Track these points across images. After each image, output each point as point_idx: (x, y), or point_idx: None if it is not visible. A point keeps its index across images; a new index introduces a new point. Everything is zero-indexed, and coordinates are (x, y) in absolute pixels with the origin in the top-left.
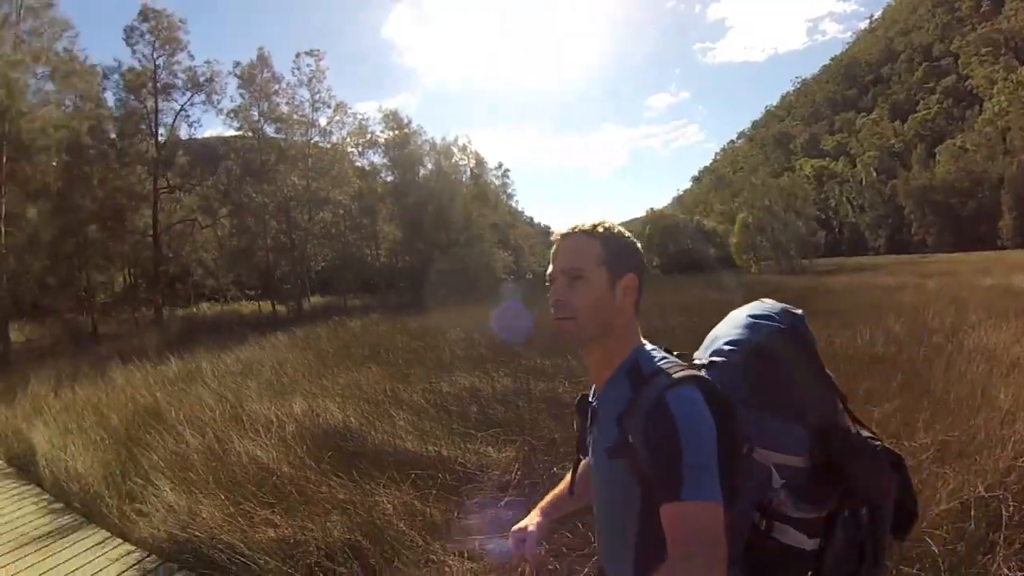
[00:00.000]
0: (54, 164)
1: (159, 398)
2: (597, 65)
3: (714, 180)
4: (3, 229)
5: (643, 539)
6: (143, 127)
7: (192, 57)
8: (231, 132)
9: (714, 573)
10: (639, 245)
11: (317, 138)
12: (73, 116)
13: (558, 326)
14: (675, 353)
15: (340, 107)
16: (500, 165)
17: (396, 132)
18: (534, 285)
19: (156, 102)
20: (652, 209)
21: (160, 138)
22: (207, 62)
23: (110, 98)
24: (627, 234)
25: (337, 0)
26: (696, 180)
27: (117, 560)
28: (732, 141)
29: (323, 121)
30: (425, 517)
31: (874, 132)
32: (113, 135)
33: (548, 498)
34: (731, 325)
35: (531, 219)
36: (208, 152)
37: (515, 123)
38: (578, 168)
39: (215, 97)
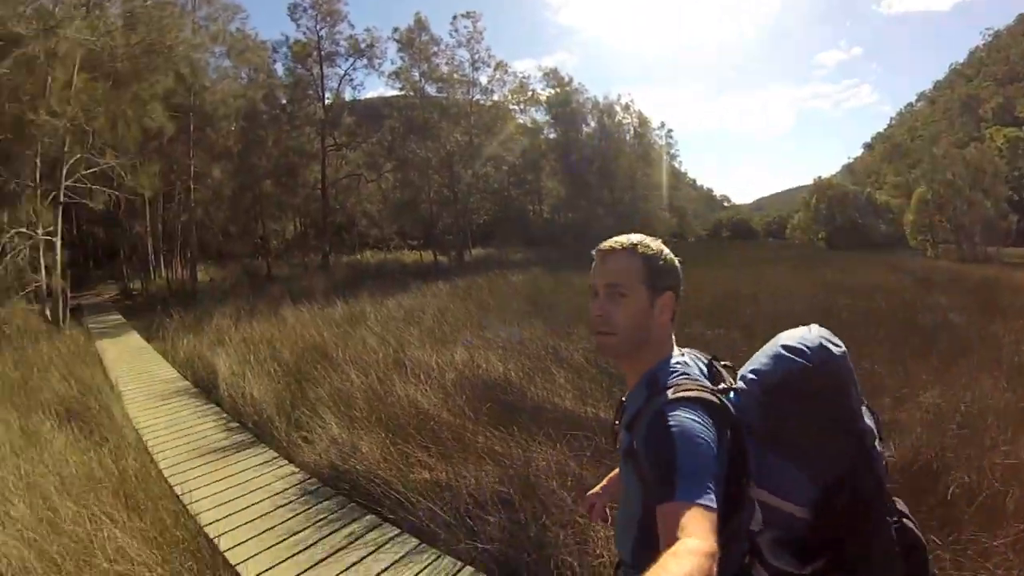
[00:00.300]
0: (233, 129)
1: (326, 338)
2: (761, 19)
3: (889, 148)
4: (193, 187)
5: (641, 533)
6: (310, 92)
7: (352, 26)
8: (392, 93)
9: (703, 572)
10: (677, 263)
11: (479, 96)
12: (248, 87)
13: (598, 340)
14: (722, 363)
15: (500, 66)
16: (663, 125)
17: (558, 89)
18: (695, 248)
19: (321, 69)
20: (819, 178)
21: (326, 101)
22: (367, 29)
23: (279, 69)
24: (666, 252)
25: None
26: (868, 147)
27: (282, 478)
28: (910, 104)
29: (484, 80)
30: (577, 478)
31: None
32: (284, 101)
33: (613, 473)
34: (765, 351)
35: (693, 181)
36: (371, 112)
37: (674, 83)
38: (740, 130)
39: (376, 61)
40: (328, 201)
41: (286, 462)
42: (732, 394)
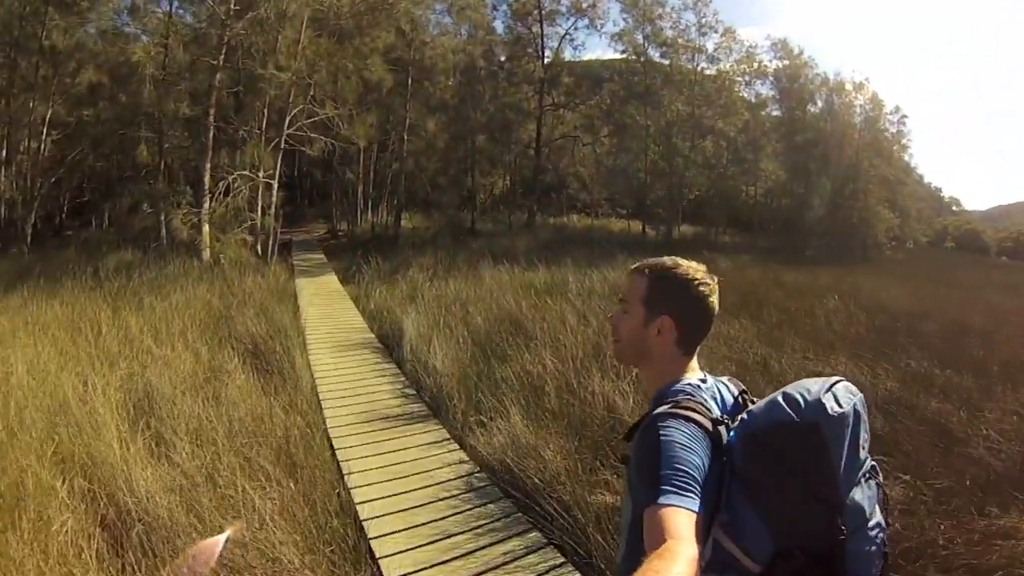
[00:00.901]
0: (450, 83)
1: (523, 309)
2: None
3: None
4: (406, 137)
5: (632, 537)
6: (530, 51)
7: None
8: (612, 55)
9: (684, 571)
10: (693, 290)
11: (704, 64)
12: (468, 43)
13: (612, 345)
14: (753, 398)
15: (728, 32)
16: (897, 109)
17: (787, 62)
18: (914, 259)
19: (541, 27)
20: None
21: (546, 60)
22: None
23: (499, 27)
24: (681, 277)
25: None
26: None
27: (449, 465)
28: None
29: (710, 46)
30: None
31: None
32: (503, 58)
33: None
34: (771, 395)
35: (921, 177)
36: (590, 74)
37: (911, 63)
38: (985, 116)
39: (598, 22)
40: (541, 160)
41: (457, 447)
42: (731, 432)
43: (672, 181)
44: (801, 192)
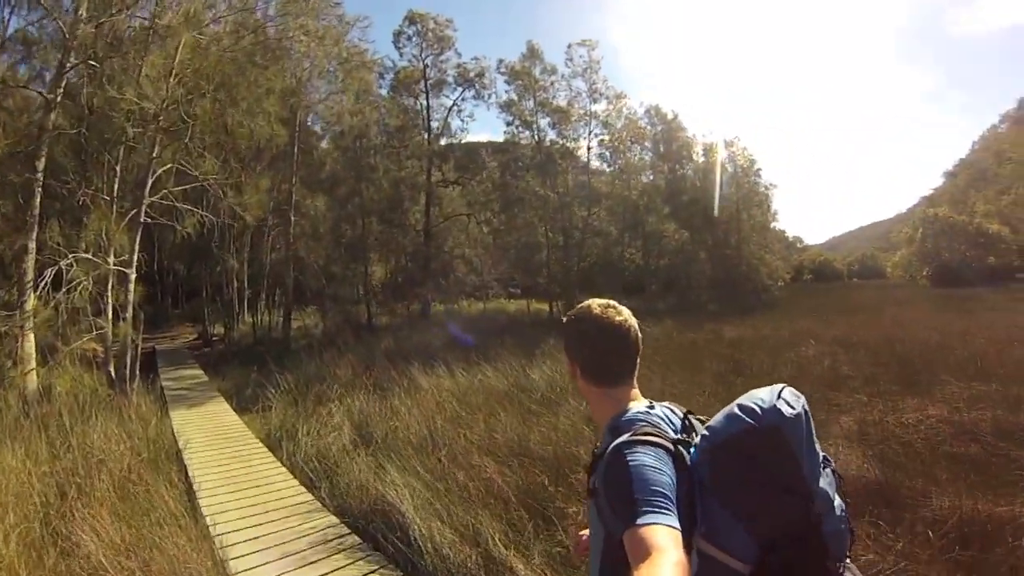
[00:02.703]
0: (337, 155)
1: (532, 436)
2: (840, 52)
3: (974, 174)
4: (293, 218)
5: (603, 570)
6: (418, 123)
7: (459, 54)
8: (497, 139)
9: (672, 573)
10: (585, 329)
11: (597, 131)
12: (360, 107)
13: None
14: (698, 417)
15: (619, 97)
16: (752, 163)
17: (661, 127)
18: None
19: (427, 99)
20: (926, 210)
21: (433, 133)
22: (475, 58)
23: (383, 95)
24: (572, 321)
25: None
26: (951, 176)
27: None
28: (994, 126)
29: (600, 111)
30: None
31: None
32: (392, 128)
33: None
34: (725, 409)
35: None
36: (472, 155)
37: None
38: (814, 167)
39: (485, 92)
40: (430, 242)
41: None
42: (693, 448)
43: (569, 253)
44: (690, 249)
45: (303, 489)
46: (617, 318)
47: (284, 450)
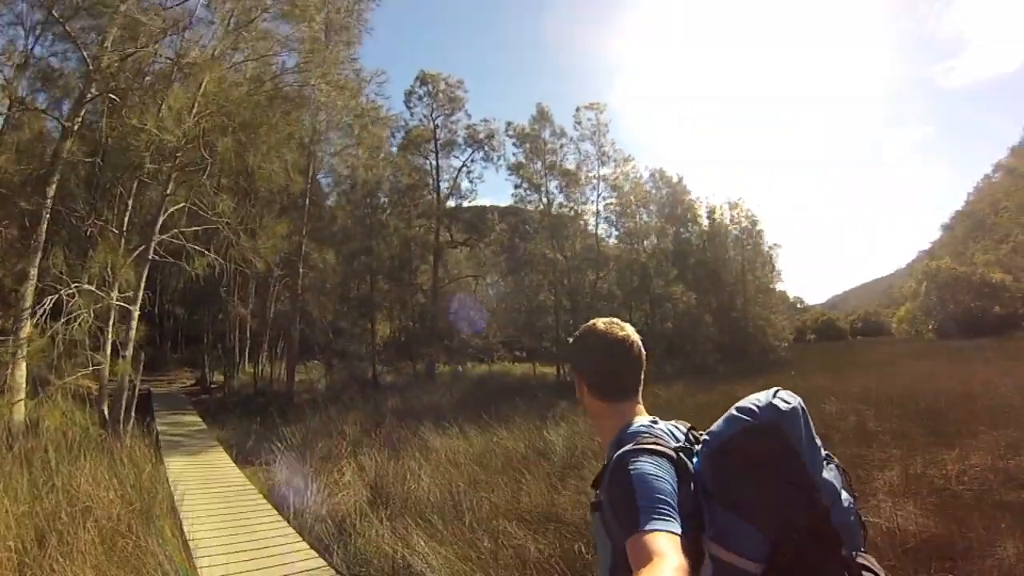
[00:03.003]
0: (348, 208)
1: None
2: (828, 106)
3: (972, 225)
4: (301, 269)
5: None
6: (428, 181)
7: (469, 116)
8: (503, 203)
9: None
10: (588, 344)
11: (605, 194)
12: (370, 162)
13: None
14: (702, 433)
15: (627, 160)
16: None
17: (667, 190)
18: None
19: (437, 159)
20: (929, 264)
21: (443, 193)
22: (484, 120)
23: (393, 153)
24: (578, 340)
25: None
26: (948, 228)
27: None
28: (988, 175)
29: (608, 175)
30: None
31: None
32: (403, 187)
33: None
34: (724, 415)
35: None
36: (483, 218)
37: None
38: (809, 223)
39: (494, 154)
40: (438, 302)
41: None
42: (695, 458)
43: (577, 317)
44: (696, 311)
45: (313, 553)
46: (620, 333)
47: (291, 508)
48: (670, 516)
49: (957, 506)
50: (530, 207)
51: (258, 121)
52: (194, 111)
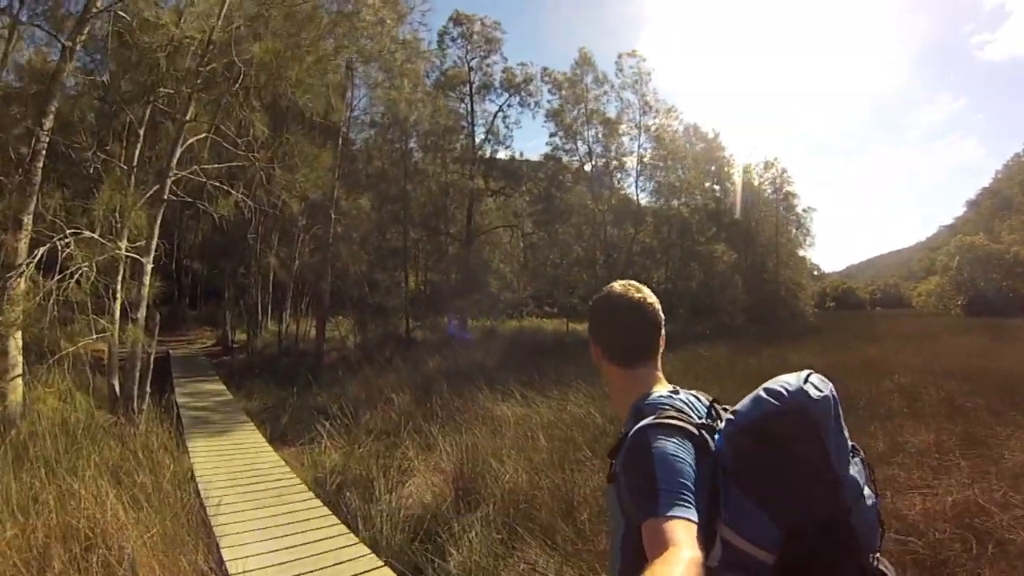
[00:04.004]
0: (386, 148)
1: None
2: (860, 78)
3: (998, 203)
4: (333, 216)
5: (625, 557)
6: (463, 126)
7: (505, 59)
8: (533, 157)
9: (685, 571)
10: (608, 309)
11: (646, 144)
12: (416, 99)
13: None
14: (725, 406)
15: (671, 111)
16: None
17: (703, 146)
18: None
19: (471, 103)
20: (960, 237)
21: (478, 139)
22: (521, 64)
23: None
24: (598, 301)
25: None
26: (974, 205)
27: None
28: (1018, 154)
29: (650, 124)
30: None
31: None
32: (440, 129)
33: None
34: (751, 394)
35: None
36: (517, 170)
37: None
38: (838, 195)
39: (531, 100)
40: (472, 253)
41: None
42: (717, 435)
43: (612, 272)
44: (727, 271)
45: None
46: (637, 295)
47: (353, 511)
48: (688, 502)
49: None
50: (566, 157)
51: (298, 30)
52: (223, 10)
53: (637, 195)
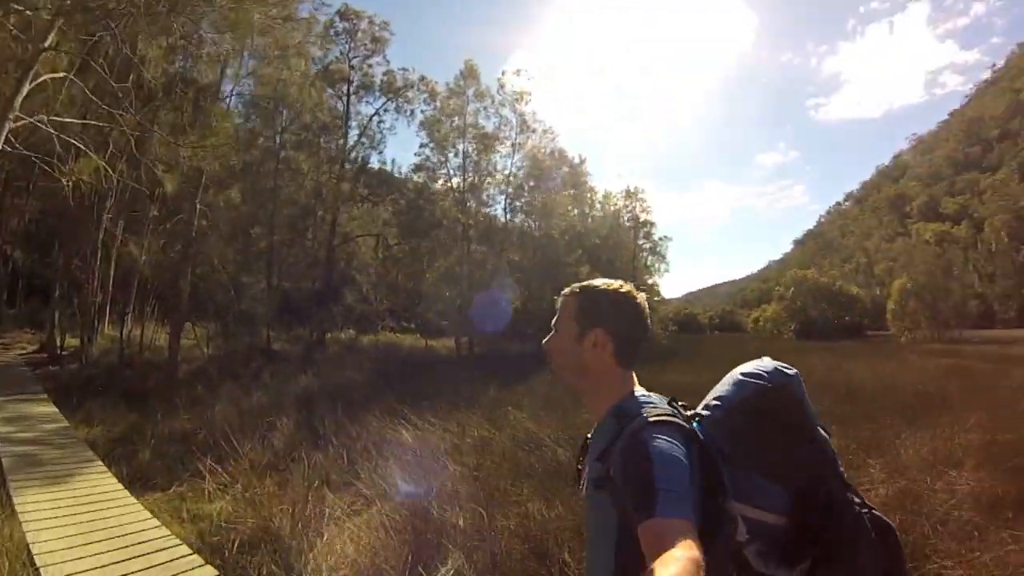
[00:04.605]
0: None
1: None
2: (707, 121)
3: (820, 244)
4: (198, 206)
5: (618, 567)
6: (339, 124)
7: (388, 62)
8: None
9: (688, 570)
10: (625, 304)
11: (519, 162)
12: (304, 83)
13: (551, 369)
14: (680, 403)
15: (547, 133)
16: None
17: (567, 169)
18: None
19: (348, 103)
20: (797, 272)
21: (351, 140)
22: (403, 69)
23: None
24: (611, 291)
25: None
26: (799, 243)
27: None
28: (839, 203)
29: (528, 145)
30: None
31: (1002, 193)
32: (317, 125)
33: None
34: (725, 382)
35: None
36: (386, 179)
37: (616, 178)
38: (676, 225)
39: (408, 107)
40: (334, 261)
41: None
42: (696, 423)
43: (477, 288)
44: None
45: None
46: (642, 298)
47: None
48: (687, 503)
49: None
50: (438, 170)
51: None
52: None
53: (506, 213)
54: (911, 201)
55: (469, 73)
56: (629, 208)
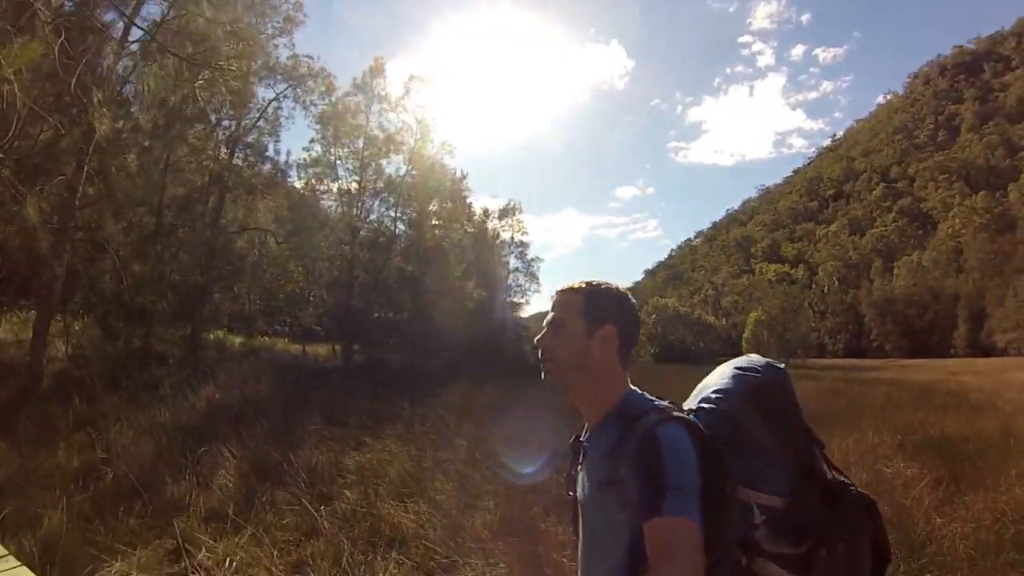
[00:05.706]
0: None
1: None
2: (570, 151)
3: (670, 275)
4: (87, 169)
5: (629, 568)
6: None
7: (293, 45)
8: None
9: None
10: (627, 303)
11: (412, 170)
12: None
13: (544, 369)
14: (666, 400)
15: (445, 145)
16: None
17: (451, 183)
18: None
19: (247, 80)
20: (657, 300)
21: (245, 125)
22: (309, 56)
23: None
24: (614, 289)
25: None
26: (650, 274)
27: None
28: (690, 239)
29: (423, 154)
30: None
31: (834, 244)
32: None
33: None
34: (719, 376)
35: None
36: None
37: (473, 195)
38: (534, 247)
39: (307, 98)
40: (219, 249)
41: None
42: (695, 416)
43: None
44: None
45: None
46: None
47: None
48: (694, 502)
49: None
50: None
51: None
52: None
53: (396, 220)
54: (756, 243)
55: (377, 71)
56: (505, 227)
